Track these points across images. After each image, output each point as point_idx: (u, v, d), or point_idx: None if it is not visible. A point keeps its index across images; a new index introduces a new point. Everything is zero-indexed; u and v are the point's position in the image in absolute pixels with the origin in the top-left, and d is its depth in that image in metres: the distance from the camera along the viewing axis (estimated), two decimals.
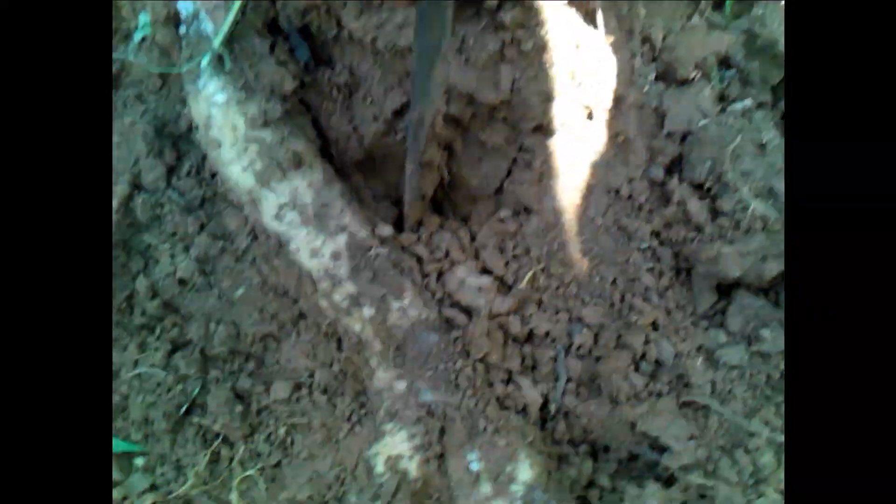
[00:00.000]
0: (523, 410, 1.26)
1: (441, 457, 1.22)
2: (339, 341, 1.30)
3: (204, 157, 1.32)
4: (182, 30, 1.20)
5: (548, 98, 1.23)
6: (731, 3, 1.52)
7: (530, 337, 1.31)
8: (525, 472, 1.18)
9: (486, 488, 1.17)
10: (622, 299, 1.31)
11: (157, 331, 1.30)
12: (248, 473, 1.26)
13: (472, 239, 1.35)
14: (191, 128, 1.36)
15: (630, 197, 1.35)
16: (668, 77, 1.40)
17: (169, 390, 1.28)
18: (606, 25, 1.30)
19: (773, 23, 1.46)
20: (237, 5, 1.12)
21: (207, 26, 1.17)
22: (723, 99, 1.45)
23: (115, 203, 1.27)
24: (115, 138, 1.30)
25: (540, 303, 1.32)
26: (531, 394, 1.25)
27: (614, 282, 1.31)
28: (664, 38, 1.40)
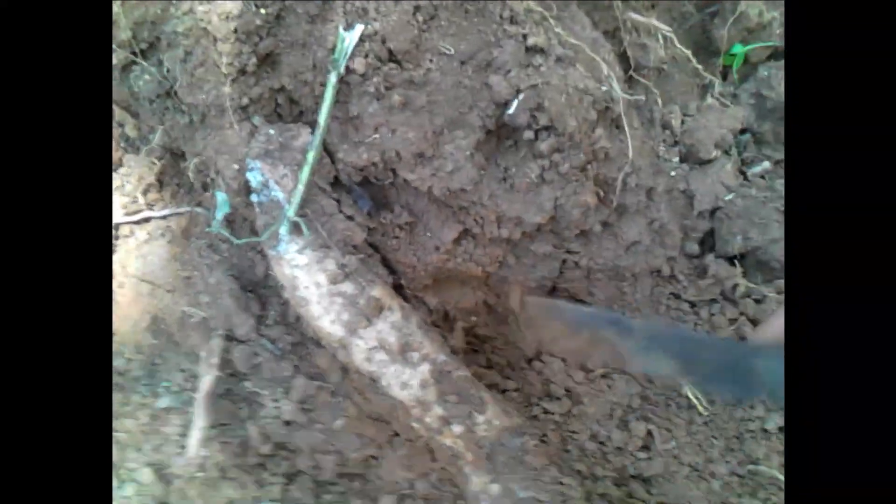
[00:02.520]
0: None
1: None
2: (432, 453, 1.43)
3: (284, 303, 1.45)
4: (254, 198, 1.32)
5: (587, 207, 1.34)
6: (736, 69, 1.63)
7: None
8: None
9: None
10: None
11: (271, 467, 1.43)
12: None
13: None
14: (265, 275, 1.50)
15: (672, 276, 1.46)
16: (690, 158, 1.51)
17: None
18: (630, 126, 1.41)
19: (778, 83, 1.56)
20: (306, 175, 1.24)
21: (278, 194, 1.29)
22: (744, 164, 1.55)
23: (215, 359, 1.40)
24: (205, 298, 1.43)
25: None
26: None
27: None
28: (682, 123, 1.51)
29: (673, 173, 1.47)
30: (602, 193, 1.35)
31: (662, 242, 1.44)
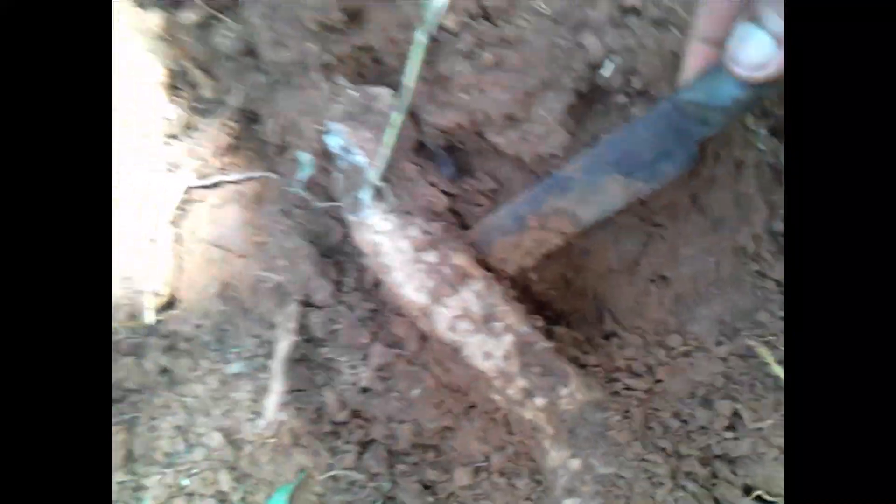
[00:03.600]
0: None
1: None
2: (509, 426, 1.40)
3: (361, 270, 1.43)
4: (336, 162, 1.29)
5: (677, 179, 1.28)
6: None
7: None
8: None
9: None
10: None
11: (345, 434, 1.42)
12: None
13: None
14: (343, 240, 1.47)
15: (757, 253, 1.40)
16: (779, 131, 1.43)
17: (363, 488, 1.39)
18: None
19: None
20: (390, 140, 1.21)
21: (360, 158, 1.26)
22: None
23: (292, 324, 1.38)
24: (284, 261, 1.41)
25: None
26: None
27: None
28: None
29: (762, 146, 1.40)
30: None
31: (748, 218, 1.37)
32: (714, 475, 1.32)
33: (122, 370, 1.63)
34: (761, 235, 1.39)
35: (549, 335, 1.34)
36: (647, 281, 1.40)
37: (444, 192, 1.27)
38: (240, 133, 1.59)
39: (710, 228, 1.35)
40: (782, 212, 1.41)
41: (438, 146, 1.29)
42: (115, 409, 1.67)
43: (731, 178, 1.32)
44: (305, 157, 1.30)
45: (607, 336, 1.48)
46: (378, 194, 1.25)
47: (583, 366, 1.37)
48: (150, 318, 1.66)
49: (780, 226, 1.40)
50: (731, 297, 1.37)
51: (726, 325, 1.39)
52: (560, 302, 1.44)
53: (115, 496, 1.59)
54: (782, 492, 1.30)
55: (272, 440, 1.47)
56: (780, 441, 1.31)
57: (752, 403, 1.34)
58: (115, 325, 1.72)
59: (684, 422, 1.36)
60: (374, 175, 1.24)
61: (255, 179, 1.58)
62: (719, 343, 1.38)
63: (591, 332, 1.46)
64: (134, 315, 1.73)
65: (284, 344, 1.38)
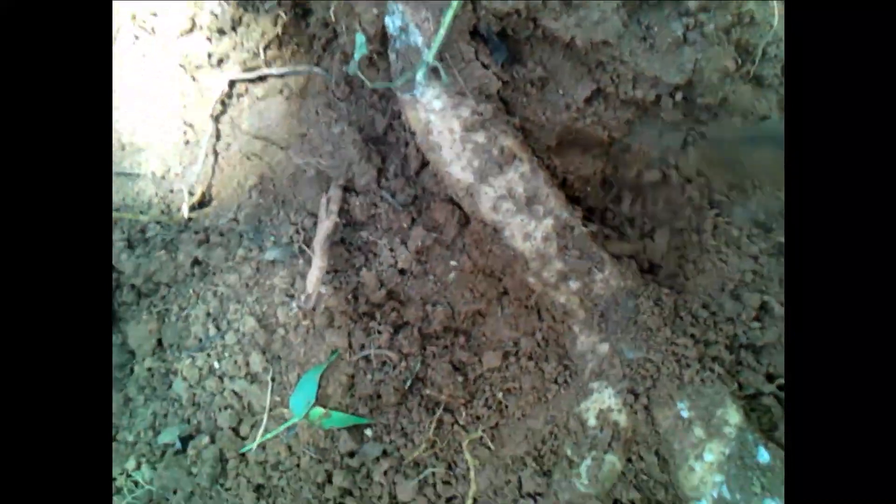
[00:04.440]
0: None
1: (647, 408, 1.36)
2: (539, 312, 1.45)
3: (405, 158, 1.47)
4: (392, 43, 1.32)
5: (726, 74, 1.33)
6: None
7: None
8: (734, 416, 1.31)
9: (699, 432, 1.31)
10: None
11: (379, 316, 1.46)
12: (476, 435, 1.41)
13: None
14: (386, 130, 1.51)
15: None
16: None
17: (394, 367, 1.44)
18: None
19: None
20: (449, 18, 1.24)
21: (417, 39, 1.30)
22: None
23: (335, 206, 1.42)
24: (327, 147, 1.44)
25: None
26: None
27: None
28: None
29: None
30: (740, 61, 1.34)
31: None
32: (739, 362, 1.37)
33: (154, 264, 1.66)
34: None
35: (585, 224, 1.38)
36: (685, 179, 1.44)
37: (497, 76, 1.31)
38: (288, 27, 1.62)
39: (753, 127, 1.39)
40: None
41: (492, 31, 1.32)
42: (146, 301, 1.70)
43: (777, 80, 1.36)
44: (361, 39, 1.34)
45: (642, 236, 1.52)
46: (433, 73, 1.28)
47: (617, 257, 1.41)
48: (184, 214, 1.69)
49: None
50: (767, 196, 1.42)
51: (759, 224, 1.44)
52: (594, 199, 1.49)
53: (144, 383, 1.63)
54: None
55: (306, 322, 1.51)
56: None
57: (781, 296, 1.39)
58: (147, 221, 1.75)
59: (713, 313, 1.41)
60: (430, 54, 1.27)
61: (300, 73, 1.61)
62: (751, 240, 1.42)
63: (626, 228, 1.51)
64: (166, 212, 1.76)
65: (327, 223, 1.42)
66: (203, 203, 1.77)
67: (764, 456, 1.27)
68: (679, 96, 1.36)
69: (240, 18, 1.66)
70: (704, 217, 1.44)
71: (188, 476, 1.48)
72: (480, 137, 1.29)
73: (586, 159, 1.44)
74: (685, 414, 1.32)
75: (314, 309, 1.46)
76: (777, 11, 1.31)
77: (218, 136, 1.73)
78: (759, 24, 1.31)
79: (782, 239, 1.40)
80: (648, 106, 1.38)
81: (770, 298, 1.37)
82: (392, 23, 1.32)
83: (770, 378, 1.35)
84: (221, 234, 1.69)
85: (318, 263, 1.40)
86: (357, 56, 1.33)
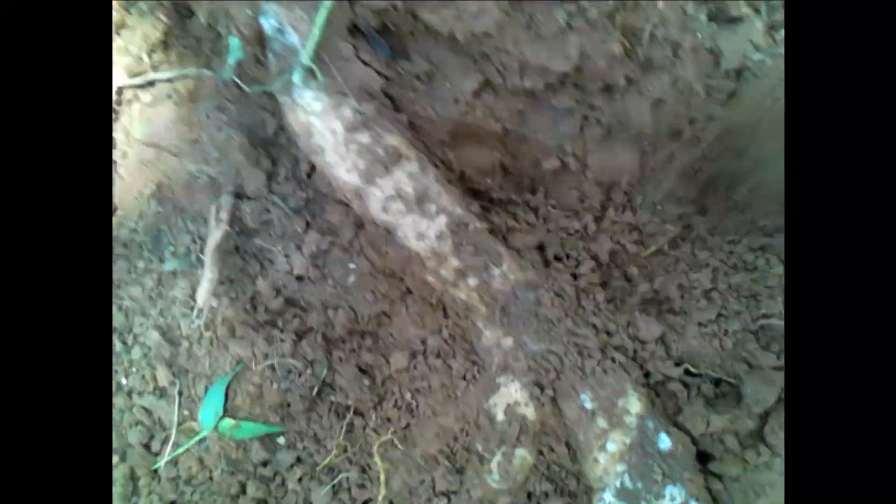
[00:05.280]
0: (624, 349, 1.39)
1: (554, 400, 1.36)
2: (444, 309, 1.43)
3: (296, 160, 1.42)
4: (269, 45, 1.27)
5: (613, 58, 1.30)
6: None
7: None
8: (635, 404, 1.31)
9: (602, 422, 1.31)
10: None
11: (281, 324, 1.43)
12: (386, 438, 1.40)
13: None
14: (276, 132, 1.46)
15: (692, 137, 1.43)
16: (719, 16, 1.45)
17: (300, 375, 1.41)
18: None
19: None
20: (322, 18, 1.19)
21: (293, 39, 1.24)
22: (772, 28, 1.51)
23: (224, 215, 1.37)
24: (214, 153, 1.39)
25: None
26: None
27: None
28: None
29: (699, 33, 1.43)
30: (628, 45, 1.31)
31: (686, 102, 1.40)
32: (643, 350, 1.37)
33: None
34: (699, 119, 1.42)
35: (482, 219, 1.36)
36: (584, 167, 1.42)
37: (379, 73, 1.26)
38: (171, 30, 1.54)
39: (647, 111, 1.37)
40: (719, 95, 1.44)
41: (371, 28, 1.28)
42: None
43: (668, 62, 1.34)
44: (235, 42, 1.28)
45: (545, 221, 1.50)
46: (310, 74, 1.23)
47: (517, 249, 1.40)
48: None
49: (718, 110, 1.43)
50: (664, 183, 1.41)
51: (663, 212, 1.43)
52: (496, 191, 1.46)
53: None
54: (709, 369, 1.37)
55: (208, 333, 1.48)
56: (703, 317, 1.37)
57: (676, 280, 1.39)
58: None
59: (619, 300, 1.41)
60: (305, 55, 1.22)
61: (188, 77, 1.54)
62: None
63: (528, 217, 1.49)
64: None
65: (217, 234, 1.38)
66: None
67: (665, 442, 1.28)
68: (570, 83, 1.34)
69: (122, 21, 1.58)
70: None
71: None
72: (364, 137, 1.25)
73: (482, 151, 1.41)
74: (588, 405, 1.32)
75: (212, 321, 1.42)
76: None
77: (114, 145, 1.66)
78: (643, 7, 1.29)
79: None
80: (539, 94, 1.35)
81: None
82: (268, 23, 1.26)
83: (678, 363, 1.36)
84: (124, 245, 1.63)
85: (209, 275, 1.36)
86: (231, 60, 1.27)
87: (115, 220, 1.68)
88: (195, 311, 1.38)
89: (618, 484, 1.27)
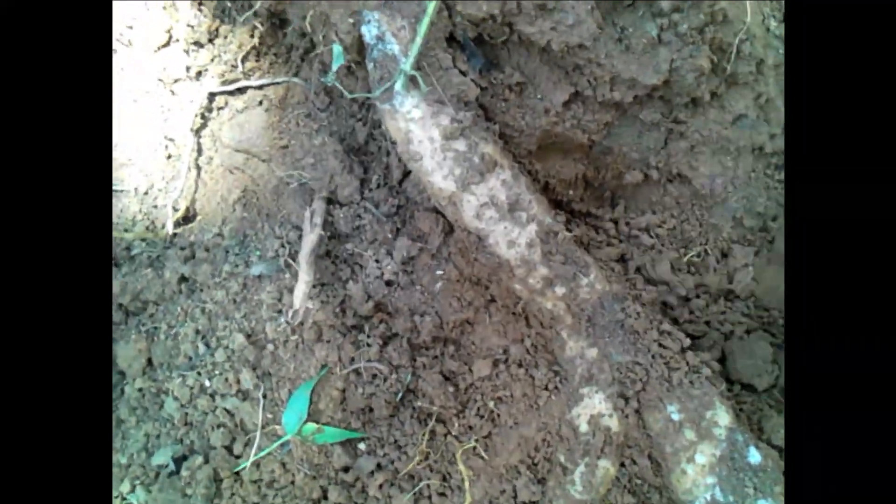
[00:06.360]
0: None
1: (638, 411, 1.36)
2: (527, 319, 1.44)
3: (387, 168, 1.46)
4: (369, 53, 1.31)
5: (702, 73, 1.32)
6: None
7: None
8: (723, 417, 1.30)
9: (689, 434, 1.30)
10: None
11: (367, 329, 1.45)
12: (469, 445, 1.41)
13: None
14: (367, 140, 1.50)
15: (774, 153, 1.44)
16: None
17: (385, 380, 1.43)
18: None
19: None
20: (425, 26, 1.23)
21: (394, 47, 1.29)
22: None
23: (318, 218, 1.41)
24: (308, 159, 1.43)
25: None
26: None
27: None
28: None
29: (781, 49, 1.44)
30: (715, 60, 1.33)
31: (767, 118, 1.42)
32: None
33: (141, 282, 1.65)
34: (778, 135, 1.43)
35: (569, 229, 1.38)
36: (666, 180, 1.44)
37: (475, 83, 1.30)
38: (265, 37, 1.61)
39: (729, 126, 1.38)
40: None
41: (468, 38, 1.32)
42: (135, 320, 1.69)
43: (751, 77, 1.36)
44: (338, 49, 1.32)
45: (627, 237, 1.51)
46: (411, 82, 1.27)
47: (601, 260, 1.41)
48: (168, 230, 1.68)
49: None
50: (748, 194, 1.42)
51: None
52: (577, 202, 1.48)
53: (136, 403, 1.62)
54: None
55: (294, 337, 1.50)
56: None
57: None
58: (132, 238, 1.74)
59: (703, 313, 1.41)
60: (407, 63, 1.26)
61: (279, 84, 1.60)
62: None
63: (608, 228, 1.50)
64: (151, 229, 1.75)
65: (312, 237, 1.41)
66: (187, 218, 1.76)
67: (755, 456, 1.27)
68: (657, 97, 1.36)
69: (216, 30, 1.65)
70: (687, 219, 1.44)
71: (183, 497, 1.47)
72: (461, 145, 1.28)
73: (567, 163, 1.44)
74: (675, 416, 1.32)
75: (302, 324, 1.45)
76: (749, 9, 1.31)
77: (199, 151, 1.72)
78: (731, 21, 1.31)
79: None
80: (627, 107, 1.38)
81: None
82: (368, 32, 1.31)
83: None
84: (207, 250, 1.68)
85: (305, 278, 1.39)
86: (335, 66, 1.32)
87: (196, 225, 1.73)
88: (290, 313, 1.40)
89: (708, 497, 1.26)
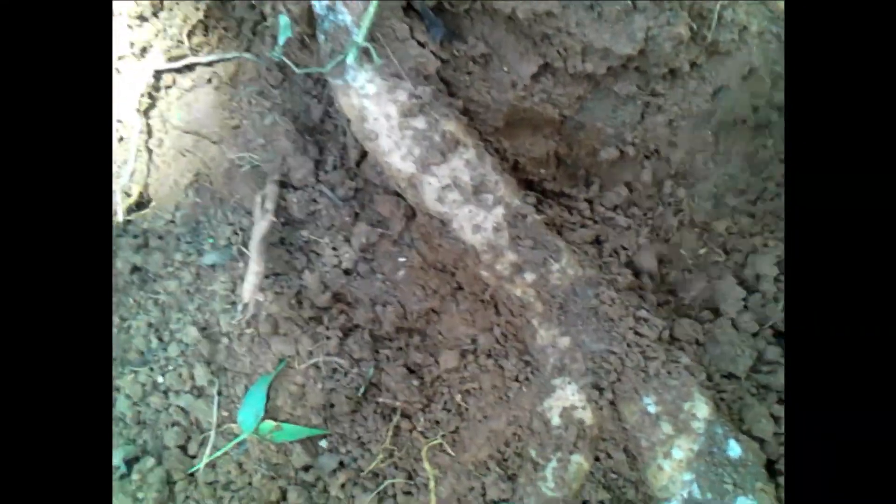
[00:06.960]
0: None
1: (613, 403, 1.28)
2: (497, 306, 1.36)
3: (344, 148, 1.36)
4: (319, 24, 1.21)
5: (680, 42, 1.23)
6: None
7: None
8: (702, 409, 1.23)
9: (666, 428, 1.23)
10: None
11: (326, 320, 1.36)
12: (434, 442, 1.33)
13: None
14: (322, 118, 1.40)
15: (757, 127, 1.36)
16: None
17: (346, 374, 1.35)
18: None
19: None
20: None
21: (346, 18, 1.18)
22: None
23: (270, 204, 1.31)
24: (258, 140, 1.33)
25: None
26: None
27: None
28: None
29: (767, 16, 1.36)
30: (695, 28, 1.24)
31: (751, 89, 1.33)
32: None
33: None
34: (761, 107, 1.35)
35: (539, 211, 1.29)
36: (643, 157, 1.35)
37: (434, 55, 1.20)
38: (213, 9, 1.49)
39: (710, 98, 1.30)
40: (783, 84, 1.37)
41: (427, 6, 1.22)
42: None
43: (734, 46, 1.27)
44: (285, 21, 1.22)
45: (602, 218, 1.43)
46: (364, 55, 1.17)
47: (575, 243, 1.33)
48: (119, 218, 1.58)
49: (780, 97, 1.36)
50: (728, 170, 1.34)
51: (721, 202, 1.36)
52: (549, 182, 1.39)
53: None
54: None
55: (250, 330, 1.42)
56: None
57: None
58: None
59: (680, 298, 1.34)
60: (360, 34, 1.16)
61: (229, 60, 1.49)
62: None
63: (583, 209, 1.42)
64: None
65: (263, 224, 1.32)
66: (141, 204, 1.65)
67: (735, 450, 1.20)
68: (632, 68, 1.27)
69: (161, 3, 1.53)
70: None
71: (134, 501, 1.39)
72: (420, 123, 1.19)
73: (537, 140, 1.35)
74: (652, 409, 1.24)
75: (255, 317, 1.36)
76: None
77: (149, 132, 1.61)
78: None
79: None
80: (600, 80, 1.29)
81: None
82: (318, 1, 1.20)
83: None
84: (160, 238, 1.58)
85: (255, 268, 1.30)
86: (281, 39, 1.22)
87: (149, 211, 1.63)
88: (239, 307, 1.32)
89: (685, 494, 1.19)
